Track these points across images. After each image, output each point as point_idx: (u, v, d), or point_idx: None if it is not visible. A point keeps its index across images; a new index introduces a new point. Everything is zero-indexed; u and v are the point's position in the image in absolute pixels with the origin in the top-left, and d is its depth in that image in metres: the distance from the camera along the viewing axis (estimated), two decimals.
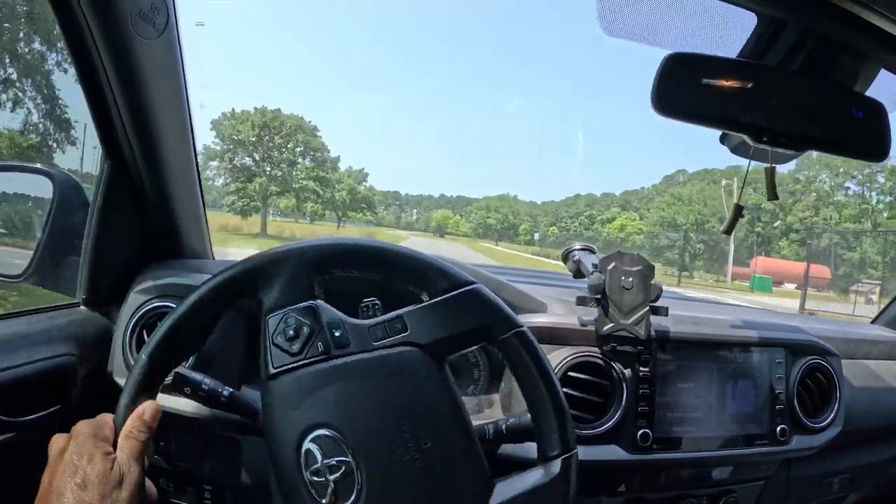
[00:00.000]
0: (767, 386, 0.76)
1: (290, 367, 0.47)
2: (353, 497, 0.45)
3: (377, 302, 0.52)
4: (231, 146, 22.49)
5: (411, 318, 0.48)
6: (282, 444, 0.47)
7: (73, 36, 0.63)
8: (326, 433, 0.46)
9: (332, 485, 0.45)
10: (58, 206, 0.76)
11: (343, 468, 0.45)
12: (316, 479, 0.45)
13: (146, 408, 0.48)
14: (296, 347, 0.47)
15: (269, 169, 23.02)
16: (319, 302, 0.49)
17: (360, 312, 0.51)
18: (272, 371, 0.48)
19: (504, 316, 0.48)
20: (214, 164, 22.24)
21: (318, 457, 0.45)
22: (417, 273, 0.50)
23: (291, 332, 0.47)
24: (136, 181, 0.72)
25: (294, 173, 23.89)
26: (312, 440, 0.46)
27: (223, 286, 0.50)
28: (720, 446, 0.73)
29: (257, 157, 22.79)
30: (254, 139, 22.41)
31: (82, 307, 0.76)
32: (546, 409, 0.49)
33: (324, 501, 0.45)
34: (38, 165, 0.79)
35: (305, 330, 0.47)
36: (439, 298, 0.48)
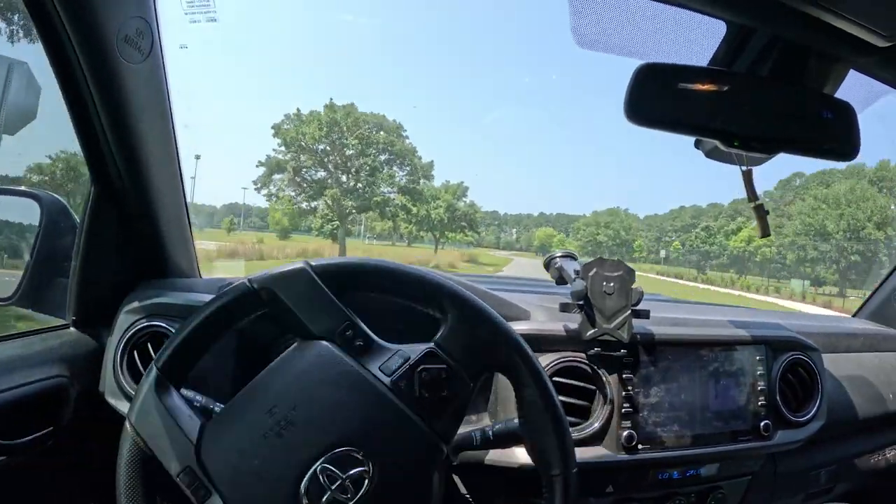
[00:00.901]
0: (749, 383, 0.78)
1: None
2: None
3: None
4: (298, 154, 18.65)
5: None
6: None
7: (59, 60, 0.64)
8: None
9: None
10: (45, 229, 0.77)
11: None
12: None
13: None
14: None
15: (344, 179, 18.91)
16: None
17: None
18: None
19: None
20: (279, 177, 18.35)
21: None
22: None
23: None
24: (123, 203, 0.74)
25: (376, 184, 19.27)
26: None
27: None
28: (705, 444, 0.75)
29: (330, 167, 18.73)
30: (324, 144, 18.45)
31: (72, 328, 0.77)
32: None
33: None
34: (25, 188, 0.79)
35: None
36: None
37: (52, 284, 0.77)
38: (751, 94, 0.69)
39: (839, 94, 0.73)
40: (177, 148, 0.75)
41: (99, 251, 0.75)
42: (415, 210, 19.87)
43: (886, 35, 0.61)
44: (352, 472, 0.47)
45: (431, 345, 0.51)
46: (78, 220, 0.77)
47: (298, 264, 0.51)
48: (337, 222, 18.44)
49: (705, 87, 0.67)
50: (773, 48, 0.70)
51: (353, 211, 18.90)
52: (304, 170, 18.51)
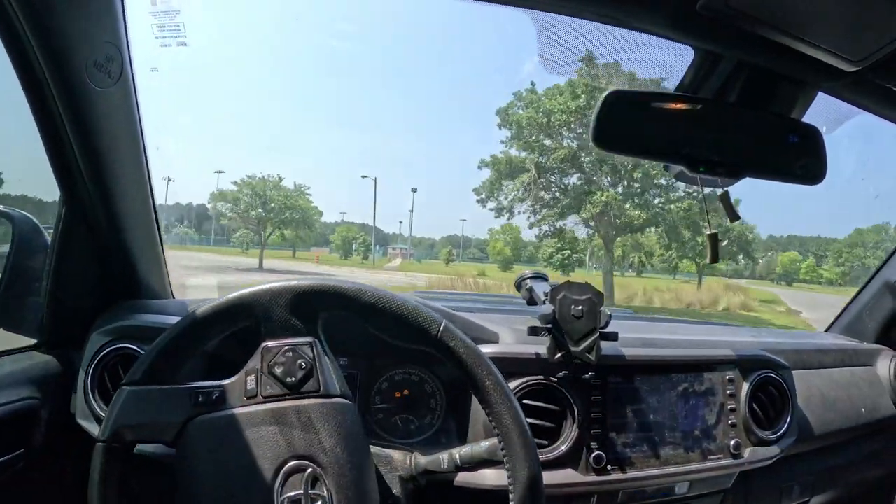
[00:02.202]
0: (719, 402, 0.80)
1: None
2: None
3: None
4: (539, 142, 11.91)
5: None
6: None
7: (30, 84, 0.65)
8: (311, 467, 0.50)
9: None
10: (17, 248, 0.77)
11: (320, 502, 0.49)
12: None
13: None
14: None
15: (608, 181, 12.02)
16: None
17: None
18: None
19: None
20: (511, 185, 12.31)
21: (301, 487, 0.49)
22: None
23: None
24: (94, 224, 0.74)
25: (656, 195, 12.13)
26: (294, 468, 0.50)
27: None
28: (675, 463, 0.76)
29: (586, 166, 11.83)
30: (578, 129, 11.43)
31: (43, 349, 0.77)
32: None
33: None
34: None
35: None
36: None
37: (23, 305, 0.78)
38: (718, 120, 0.71)
39: (806, 118, 0.75)
40: (148, 170, 0.75)
41: (70, 272, 0.75)
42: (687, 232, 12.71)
43: (854, 60, 0.63)
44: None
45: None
46: (50, 241, 0.78)
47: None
48: (567, 251, 13.05)
49: (672, 112, 0.69)
50: (740, 74, 0.72)
51: (625, 229, 12.24)
52: (551, 172, 12.00)
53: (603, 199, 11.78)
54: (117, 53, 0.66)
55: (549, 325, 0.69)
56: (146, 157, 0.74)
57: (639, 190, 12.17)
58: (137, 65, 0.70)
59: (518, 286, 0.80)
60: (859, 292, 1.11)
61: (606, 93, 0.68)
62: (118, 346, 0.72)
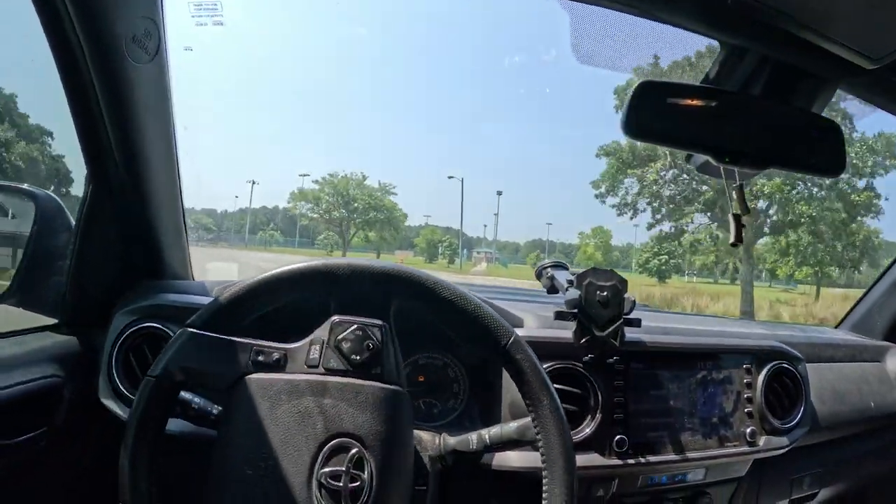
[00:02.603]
0: (736, 390, 0.82)
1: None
2: None
3: None
4: None
5: None
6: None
7: (64, 57, 0.65)
8: (354, 444, 0.50)
9: (347, 491, 0.49)
10: (40, 227, 0.78)
11: (357, 483, 0.49)
12: (331, 481, 0.49)
13: None
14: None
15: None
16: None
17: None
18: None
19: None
20: (633, 178, 10.77)
21: (344, 461, 0.50)
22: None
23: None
24: (121, 203, 0.74)
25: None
26: (338, 445, 0.50)
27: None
28: (693, 449, 0.78)
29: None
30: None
31: (66, 328, 0.77)
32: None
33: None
34: (21, 186, 0.80)
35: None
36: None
37: (46, 284, 0.78)
38: (742, 112, 0.73)
39: (826, 113, 0.77)
40: (176, 150, 0.76)
41: (94, 251, 0.75)
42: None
43: (874, 58, 0.65)
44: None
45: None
46: (73, 220, 0.78)
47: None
48: (665, 256, 11.59)
49: (699, 104, 0.71)
50: (764, 68, 0.74)
51: (779, 229, 10.10)
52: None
53: (767, 189, 9.72)
54: (154, 29, 0.66)
55: (575, 310, 0.71)
56: (175, 137, 0.74)
57: (803, 182, 10.01)
58: (171, 43, 0.70)
59: (538, 275, 0.82)
60: (869, 290, 1.14)
61: (638, 83, 0.69)
62: (142, 325, 0.72)
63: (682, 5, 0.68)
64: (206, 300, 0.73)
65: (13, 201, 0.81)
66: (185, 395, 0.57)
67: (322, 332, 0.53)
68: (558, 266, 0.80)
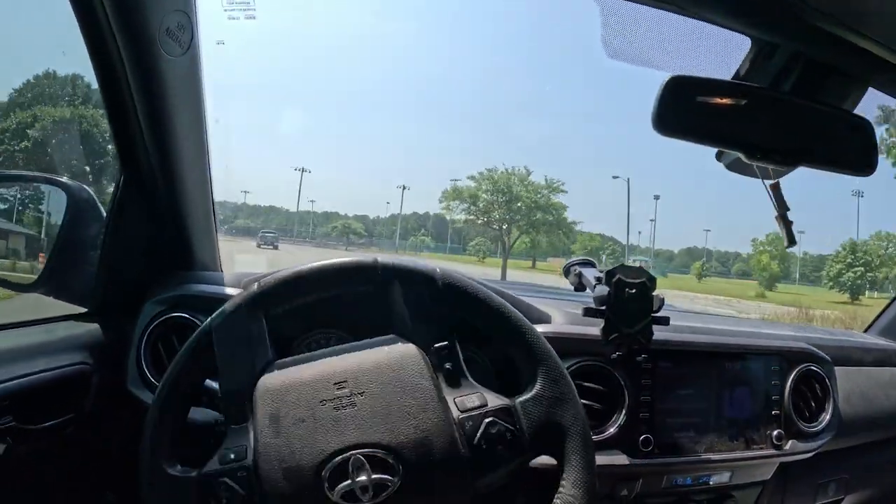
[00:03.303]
0: (763, 392, 0.81)
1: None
2: None
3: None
4: None
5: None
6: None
7: (98, 49, 0.67)
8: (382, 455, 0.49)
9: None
10: (71, 217, 0.80)
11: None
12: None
13: None
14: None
15: None
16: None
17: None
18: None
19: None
20: None
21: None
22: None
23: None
24: (152, 194, 0.76)
25: None
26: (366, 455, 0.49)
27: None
28: (718, 451, 0.78)
29: None
30: None
31: (95, 317, 0.79)
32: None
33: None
34: (53, 176, 0.82)
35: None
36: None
37: (76, 272, 0.80)
38: (773, 109, 0.73)
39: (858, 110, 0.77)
40: (207, 142, 0.77)
41: (125, 241, 0.77)
42: None
43: None
44: (380, 475, 0.48)
45: (510, 402, 0.53)
46: (103, 211, 0.80)
47: (431, 266, 0.54)
48: (860, 268, 10.35)
49: (730, 100, 0.71)
50: (795, 64, 0.74)
51: None
52: None
53: None
54: (188, 22, 0.68)
55: (603, 307, 0.71)
56: (206, 129, 0.76)
57: None
58: (203, 37, 0.72)
59: (566, 272, 0.82)
60: None
61: (667, 78, 0.69)
62: (173, 315, 0.74)
63: (714, 1, 0.69)
64: (231, 291, 0.75)
65: (46, 191, 0.83)
66: (212, 384, 0.58)
67: None
68: (586, 263, 0.81)
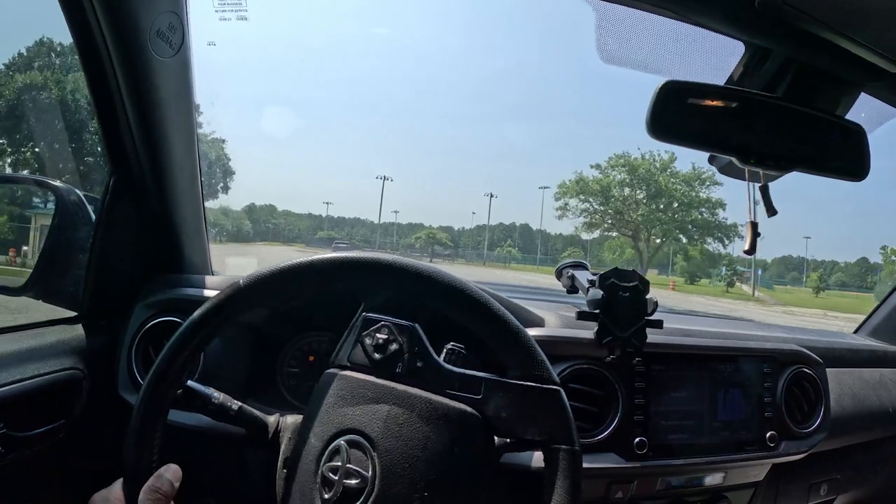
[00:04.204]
0: (756, 394, 0.83)
1: (362, 368, 0.53)
2: None
3: (463, 350, 0.57)
4: None
5: (489, 386, 0.52)
6: (316, 430, 0.52)
7: (86, 50, 0.67)
8: (363, 442, 0.50)
9: (340, 487, 0.49)
10: (60, 219, 0.79)
11: (358, 480, 0.49)
12: (330, 475, 0.50)
13: (169, 470, 0.52)
14: (377, 356, 0.53)
15: None
16: (417, 326, 0.55)
17: (445, 353, 0.57)
18: (345, 363, 0.53)
19: (569, 430, 0.51)
20: None
21: (344, 457, 0.50)
22: (519, 350, 0.53)
23: (381, 341, 0.53)
24: (141, 195, 0.76)
25: None
26: (347, 441, 0.50)
27: (327, 267, 0.53)
28: (712, 452, 0.79)
29: None
30: None
31: (84, 321, 0.79)
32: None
33: (326, 496, 0.49)
34: (41, 178, 0.81)
35: (394, 346, 0.53)
36: (524, 383, 0.52)
37: (65, 276, 0.79)
38: (766, 114, 0.74)
39: (850, 116, 0.78)
40: (197, 145, 0.77)
41: (115, 243, 0.77)
42: None
43: None
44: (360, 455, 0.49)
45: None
46: (92, 213, 0.80)
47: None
48: None
49: (723, 104, 0.72)
50: (788, 69, 0.75)
51: None
52: None
53: None
54: (179, 23, 0.68)
55: (597, 311, 0.72)
56: (196, 132, 0.76)
57: None
58: (193, 37, 0.72)
59: (558, 274, 0.83)
60: (888, 296, 1.15)
61: (661, 83, 0.71)
62: (163, 318, 0.74)
63: (708, 6, 0.70)
64: None
65: (34, 193, 0.82)
66: (205, 389, 0.58)
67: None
68: (578, 266, 0.82)
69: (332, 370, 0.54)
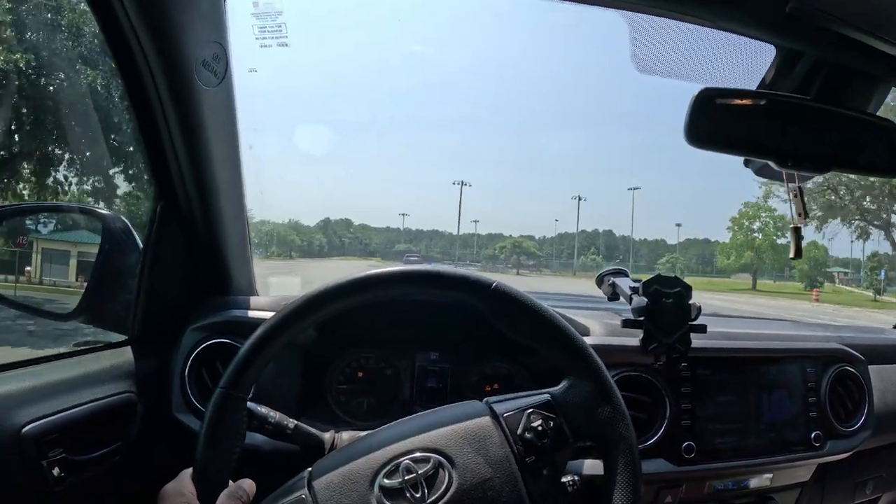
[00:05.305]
0: (800, 394, 0.84)
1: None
2: None
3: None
4: None
5: None
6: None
7: (133, 83, 0.70)
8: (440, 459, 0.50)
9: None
10: (107, 246, 0.82)
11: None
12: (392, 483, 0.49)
13: (246, 482, 0.54)
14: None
15: None
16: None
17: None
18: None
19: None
20: None
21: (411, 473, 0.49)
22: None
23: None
24: (188, 221, 0.79)
25: None
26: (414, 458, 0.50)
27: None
28: (759, 454, 0.80)
29: None
30: None
31: (135, 344, 0.81)
32: None
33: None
34: (88, 206, 0.84)
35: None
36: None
37: (114, 301, 0.82)
38: (800, 116, 0.76)
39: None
40: (242, 168, 0.80)
41: (162, 268, 0.80)
42: None
43: None
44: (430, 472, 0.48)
45: (548, 396, 0.54)
46: (138, 238, 0.83)
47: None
48: None
49: (759, 108, 0.74)
50: (819, 71, 0.77)
51: None
52: None
53: None
54: (223, 52, 0.71)
55: (642, 318, 0.74)
56: (240, 155, 0.79)
57: None
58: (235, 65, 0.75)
59: (599, 282, 0.85)
60: None
61: (697, 91, 0.73)
62: (215, 341, 0.76)
63: (740, 12, 0.72)
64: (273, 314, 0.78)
65: (81, 221, 0.85)
66: (261, 409, 0.60)
67: None
68: (619, 273, 0.84)
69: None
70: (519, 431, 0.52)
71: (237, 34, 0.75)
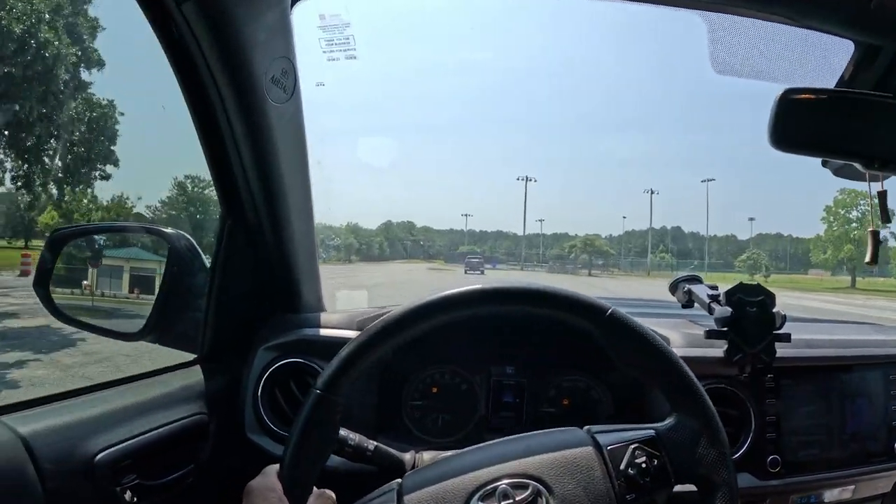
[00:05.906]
0: (882, 403, 0.82)
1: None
2: None
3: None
4: None
5: None
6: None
7: (200, 102, 0.69)
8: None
9: None
10: (172, 265, 0.82)
11: None
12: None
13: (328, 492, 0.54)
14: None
15: None
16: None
17: None
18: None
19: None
20: None
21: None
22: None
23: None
24: (257, 239, 0.79)
25: None
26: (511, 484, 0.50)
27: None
28: (842, 466, 0.78)
29: None
30: None
31: (204, 364, 0.81)
32: None
33: None
34: (154, 226, 0.85)
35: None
36: None
37: (182, 320, 0.82)
38: (884, 113, 0.73)
39: None
40: (310, 184, 0.80)
41: (231, 286, 0.80)
42: None
43: None
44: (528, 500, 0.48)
45: (653, 432, 0.53)
46: (204, 257, 0.83)
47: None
48: None
49: (846, 108, 0.72)
50: None
51: None
52: None
53: None
54: (291, 68, 0.71)
55: (726, 329, 0.72)
56: (309, 173, 0.79)
57: None
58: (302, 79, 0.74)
59: (673, 289, 0.83)
60: None
61: (780, 92, 0.70)
62: (287, 361, 0.76)
63: (824, 10, 0.70)
64: (346, 333, 0.77)
65: (146, 241, 0.86)
66: (341, 432, 0.60)
67: None
68: (693, 280, 0.82)
69: None
70: (622, 467, 0.50)
71: (301, 49, 0.74)
